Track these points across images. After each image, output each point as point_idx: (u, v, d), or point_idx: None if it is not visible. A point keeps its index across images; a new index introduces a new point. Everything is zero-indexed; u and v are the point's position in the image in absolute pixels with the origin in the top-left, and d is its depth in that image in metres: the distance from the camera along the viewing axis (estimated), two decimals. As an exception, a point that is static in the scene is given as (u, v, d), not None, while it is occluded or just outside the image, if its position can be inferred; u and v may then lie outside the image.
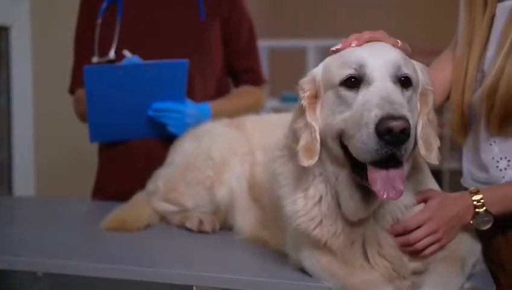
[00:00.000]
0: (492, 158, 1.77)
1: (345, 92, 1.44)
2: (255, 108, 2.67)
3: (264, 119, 2.28)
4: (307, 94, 1.52)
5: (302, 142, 1.51)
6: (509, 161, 1.73)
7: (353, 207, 1.50)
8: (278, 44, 6.77)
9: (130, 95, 2.40)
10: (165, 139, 2.48)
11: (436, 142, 1.51)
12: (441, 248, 1.59)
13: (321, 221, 1.55)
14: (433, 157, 1.49)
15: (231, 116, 2.38)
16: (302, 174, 1.58)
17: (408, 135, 1.33)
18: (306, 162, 1.50)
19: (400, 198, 1.40)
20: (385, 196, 1.38)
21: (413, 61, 1.53)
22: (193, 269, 1.68)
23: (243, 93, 2.72)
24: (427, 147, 1.49)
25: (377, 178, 1.39)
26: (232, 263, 1.77)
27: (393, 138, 1.31)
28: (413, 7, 7.65)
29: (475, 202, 1.62)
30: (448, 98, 1.93)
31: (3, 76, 4.22)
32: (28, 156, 4.33)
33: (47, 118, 4.33)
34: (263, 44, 5.90)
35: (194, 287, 1.65)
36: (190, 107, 2.45)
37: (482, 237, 1.72)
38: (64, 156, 4.41)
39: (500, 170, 1.75)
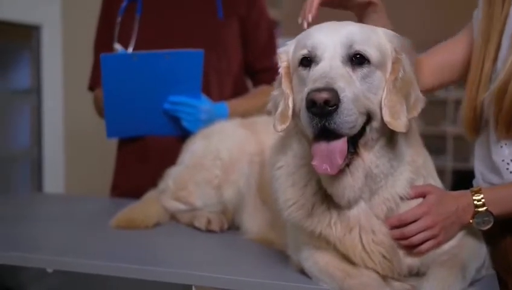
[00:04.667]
0: (503, 160, 1.73)
1: (302, 72, 1.48)
2: None
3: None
4: (284, 64, 1.57)
5: (279, 109, 1.55)
6: None
7: (334, 187, 1.48)
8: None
9: (145, 85, 2.41)
10: (180, 137, 2.49)
11: (403, 111, 1.46)
12: (438, 244, 1.56)
13: (311, 210, 1.55)
14: (399, 125, 1.45)
15: (248, 115, 2.38)
16: (291, 161, 1.60)
17: (333, 107, 1.32)
18: (279, 126, 1.54)
19: (334, 172, 1.39)
20: (320, 170, 1.38)
21: (382, 31, 1.51)
22: (194, 268, 1.67)
23: (260, 93, 2.70)
24: (392, 115, 1.45)
25: (316, 152, 1.39)
26: (235, 263, 1.76)
27: (317, 109, 1.33)
28: (451, 5, 7.52)
29: (476, 201, 1.58)
30: (458, 79, 1.91)
31: (34, 75, 4.30)
32: (58, 154, 4.40)
33: (77, 116, 4.39)
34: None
35: (193, 287, 1.64)
36: (205, 103, 2.45)
37: (490, 240, 1.68)
38: (93, 153, 4.47)
39: (511, 172, 1.70)
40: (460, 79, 1.94)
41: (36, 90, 4.29)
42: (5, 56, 4.45)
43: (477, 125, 1.81)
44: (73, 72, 4.34)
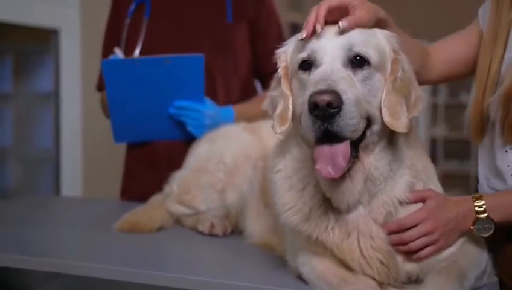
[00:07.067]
0: (508, 166, 1.70)
1: (302, 75, 1.46)
2: None
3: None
4: (283, 64, 1.55)
5: (278, 110, 1.54)
6: None
7: (334, 191, 1.46)
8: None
9: (149, 90, 2.42)
10: (188, 141, 2.48)
11: (403, 112, 1.44)
12: (437, 250, 1.53)
13: (308, 214, 1.53)
14: (399, 126, 1.43)
15: (255, 120, 2.35)
16: (290, 165, 1.58)
17: (336, 109, 1.31)
18: (278, 128, 1.52)
19: (338, 175, 1.37)
20: (324, 173, 1.36)
21: (379, 32, 1.50)
22: (193, 273, 1.67)
23: (268, 97, 2.68)
24: (392, 115, 1.43)
25: (319, 155, 1.37)
26: (235, 269, 1.75)
27: (320, 112, 1.31)
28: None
29: (477, 208, 1.55)
30: (467, 74, 1.89)
31: (52, 78, 4.33)
32: (76, 157, 4.43)
33: (95, 119, 4.41)
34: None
35: (190, 292, 1.63)
36: (209, 108, 2.43)
37: (494, 246, 1.65)
38: (111, 156, 4.48)
39: (515, 178, 1.67)
40: (468, 75, 1.91)
41: (55, 93, 4.32)
42: (26, 60, 4.51)
43: (484, 129, 1.78)
44: (92, 76, 4.35)
